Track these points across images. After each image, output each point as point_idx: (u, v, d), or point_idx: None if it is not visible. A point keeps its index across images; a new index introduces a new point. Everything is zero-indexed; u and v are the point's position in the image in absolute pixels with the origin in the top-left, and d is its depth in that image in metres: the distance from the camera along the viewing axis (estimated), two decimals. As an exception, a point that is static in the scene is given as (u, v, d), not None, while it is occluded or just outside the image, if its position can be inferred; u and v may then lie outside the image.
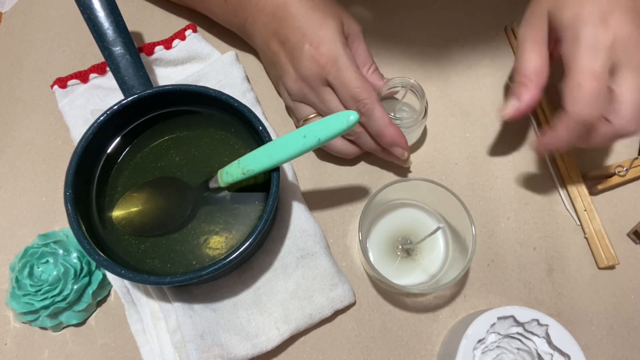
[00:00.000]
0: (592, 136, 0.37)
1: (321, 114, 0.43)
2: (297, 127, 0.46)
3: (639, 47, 0.35)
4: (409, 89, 0.43)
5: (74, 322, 0.41)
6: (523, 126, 0.49)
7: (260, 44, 0.45)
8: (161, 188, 0.40)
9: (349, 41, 0.43)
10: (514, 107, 0.38)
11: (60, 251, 0.41)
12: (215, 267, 0.35)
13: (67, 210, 0.36)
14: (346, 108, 0.41)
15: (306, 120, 0.43)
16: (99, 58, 0.48)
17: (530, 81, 0.38)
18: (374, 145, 0.43)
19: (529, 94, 0.38)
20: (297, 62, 0.41)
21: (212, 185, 0.39)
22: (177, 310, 0.39)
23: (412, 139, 0.46)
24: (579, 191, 0.45)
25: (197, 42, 0.49)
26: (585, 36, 0.35)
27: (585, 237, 0.45)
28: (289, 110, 0.47)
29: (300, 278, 0.41)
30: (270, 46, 0.44)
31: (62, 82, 0.47)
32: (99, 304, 0.43)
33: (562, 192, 0.46)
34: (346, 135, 0.43)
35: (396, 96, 0.46)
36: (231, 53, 0.49)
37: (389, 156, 0.44)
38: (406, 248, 0.42)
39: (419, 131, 0.45)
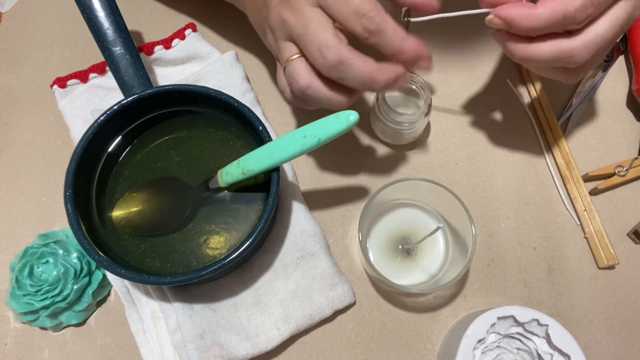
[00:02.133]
0: (544, 47, 0.34)
1: (302, 47, 0.35)
2: (280, 73, 0.38)
3: None
4: (413, 84, 0.44)
5: (74, 322, 0.41)
6: (523, 126, 0.49)
7: None
8: (161, 188, 0.40)
9: None
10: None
11: (60, 251, 0.41)
12: (215, 267, 0.35)
13: (67, 210, 0.36)
14: (347, 28, 0.34)
15: (288, 61, 0.36)
16: (99, 58, 0.48)
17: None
18: (365, 77, 0.34)
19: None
20: None
21: (212, 185, 0.39)
22: (177, 310, 0.39)
23: (414, 135, 0.46)
24: (579, 191, 0.45)
25: (197, 41, 0.49)
26: None
27: (585, 237, 0.45)
28: (276, 59, 0.39)
29: (300, 278, 0.41)
30: None
31: (61, 82, 0.47)
32: (99, 304, 0.43)
33: (562, 192, 0.46)
34: (331, 77, 0.35)
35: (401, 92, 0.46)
36: (231, 53, 0.48)
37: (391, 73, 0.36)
38: (406, 248, 0.42)
39: (422, 128, 0.45)
